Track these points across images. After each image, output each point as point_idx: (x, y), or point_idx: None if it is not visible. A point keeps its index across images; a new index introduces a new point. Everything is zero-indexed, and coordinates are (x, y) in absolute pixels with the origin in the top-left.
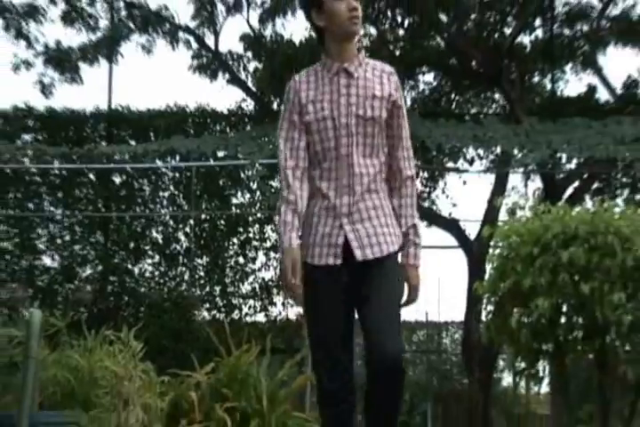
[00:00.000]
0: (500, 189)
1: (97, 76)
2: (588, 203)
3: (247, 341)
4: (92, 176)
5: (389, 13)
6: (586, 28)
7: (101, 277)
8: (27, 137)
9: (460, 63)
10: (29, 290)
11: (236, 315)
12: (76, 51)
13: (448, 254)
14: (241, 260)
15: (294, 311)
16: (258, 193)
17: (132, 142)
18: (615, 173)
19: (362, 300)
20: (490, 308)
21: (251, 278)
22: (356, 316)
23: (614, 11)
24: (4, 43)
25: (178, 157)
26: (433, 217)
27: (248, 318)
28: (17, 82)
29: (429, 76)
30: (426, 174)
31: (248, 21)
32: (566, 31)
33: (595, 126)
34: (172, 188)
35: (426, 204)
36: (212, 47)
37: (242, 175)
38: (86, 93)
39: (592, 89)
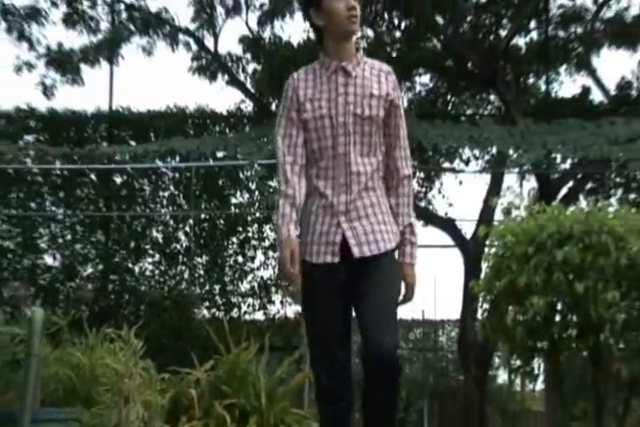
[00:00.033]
0: (495, 188)
1: (98, 77)
2: (583, 203)
3: (246, 339)
4: (93, 176)
5: (386, 16)
6: (580, 30)
7: (102, 275)
8: (29, 138)
9: (456, 65)
10: (31, 288)
11: (235, 313)
12: (77, 52)
13: (444, 253)
14: (240, 259)
15: (292, 310)
16: (257, 193)
17: (133, 143)
18: (609, 174)
19: (359, 297)
20: (485, 306)
21: (250, 277)
22: (354, 313)
23: (608, 13)
24: (6, 45)
25: (178, 158)
26: (429, 217)
27: (247, 317)
28: (19, 83)
29: (426, 78)
30: (422, 174)
31: (247, 24)
32: (561, 33)
33: (589, 127)
34: (171, 188)
35: (422, 203)
36: (212, 49)
37: (241, 175)
38: (87, 95)
39: (586, 90)
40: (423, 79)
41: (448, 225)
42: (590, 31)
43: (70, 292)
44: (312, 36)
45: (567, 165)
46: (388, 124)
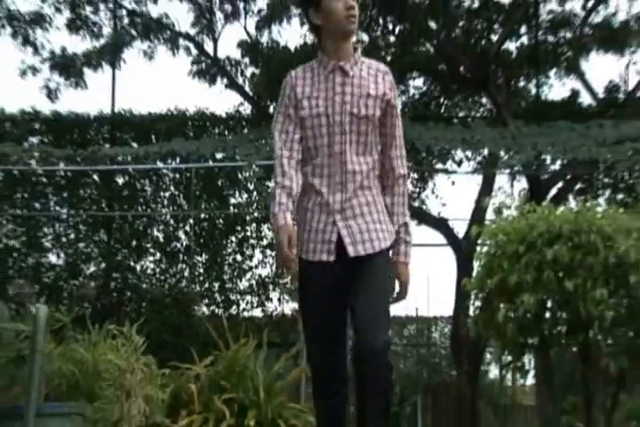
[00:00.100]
0: (487, 189)
1: (100, 80)
2: (572, 203)
3: (245, 335)
4: (95, 177)
5: (381, 21)
6: (569, 35)
7: (105, 273)
8: (33, 139)
9: (448, 69)
10: (36, 286)
11: (233, 310)
12: (80, 57)
13: (437, 252)
14: (239, 257)
15: (290, 307)
16: (255, 193)
17: (135, 144)
18: (597, 174)
19: (353, 296)
20: (477, 303)
21: (248, 275)
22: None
23: (596, 18)
24: (11, 49)
25: (178, 159)
26: (423, 216)
27: (245, 314)
28: (24, 87)
29: (419, 81)
30: (416, 175)
31: (245, 28)
32: (550, 38)
33: (578, 129)
34: (172, 188)
35: (416, 203)
36: (211, 53)
37: (239, 176)
38: (90, 98)
39: (575, 93)
40: (417, 82)
41: (441, 224)
42: (579, 36)
43: (74, 289)
44: (309, 40)
45: (557, 167)
46: (385, 123)
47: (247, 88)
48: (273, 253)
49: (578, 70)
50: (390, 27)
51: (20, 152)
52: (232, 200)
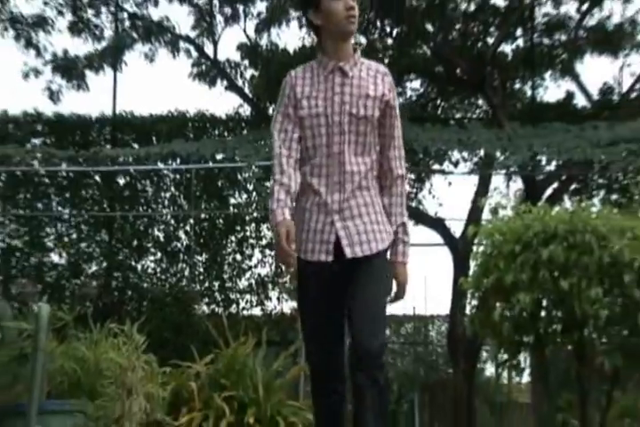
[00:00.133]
0: (483, 189)
1: (102, 83)
2: (567, 203)
3: (244, 333)
4: (97, 178)
5: (379, 23)
6: (564, 37)
7: (106, 273)
8: (36, 141)
9: (445, 71)
10: (38, 285)
11: (233, 309)
12: (82, 59)
13: (434, 252)
14: (238, 257)
15: (289, 306)
16: (254, 194)
17: (136, 146)
18: (592, 175)
19: (350, 297)
20: (474, 302)
21: (247, 274)
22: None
23: (591, 21)
24: (14, 52)
25: (178, 160)
26: (420, 216)
27: (245, 312)
28: (27, 89)
29: (416, 83)
30: (413, 176)
31: (245, 31)
32: (546, 40)
33: (572, 131)
34: (172, 189)
35: (413, 204)
36: (211, 56)
37: (239, 177)
38: (92, 99)
39: (570, 95)
40: (414, 84)
41: (438, 224)
42: (574, 39)
43: (75, 289)
44: (307, 43)
45: (552, 167)
46: (383, 124)
47: (247, 90)
48: (272, 253)
49: (573, 72)
50: (388, 29)
51: (23, 153)
52: (232, 200)
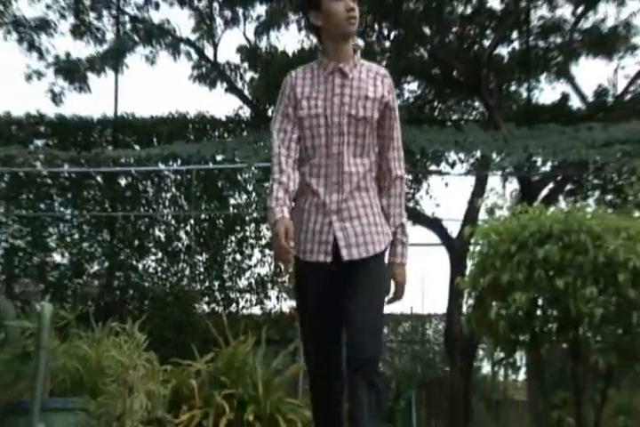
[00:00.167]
0: (479, 190)
1: (104, 85)
2: (562, 203)
3: (244, 332)
4: (99, 179)
5: (376, 27)
6: (559, 40)
7: (108, 272)
8: (38, 142)
9: (442, 73)
10: (41, 285)
11: (233, 308)
12: (84, 62)
13: (431, 252)
14: (238, 257)
15: (288, 305)
16: (254, 194)
17: (137, 147)
18: (587, 176)
19: (347, 299)
20: (471, 301)
21: (247, 274)
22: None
23: (586, 24)
24: (17, 54)
25: (179, 161)
26: (417, 216)
27: (245, 311)
28: (29, 91)
29: (414, 85)
30: (410, 177)
31: (244, 34)
32: (541, 43)
33: (568, 132)
34: (173, 189)
35: (410, 204)
36: (211, 58)
37: (239, 178)
38: (94, 101)
39: (565, 97)
40: (411, 86)
41: (435, 224)
42: (569, 41)
43: (78, 288)
44: (306, 45)
45: (547, 168)
46: (383, 125)
47: (246, 92)
48: (271, 253)
49: (568, 75)
50: (385, 32)
51: (26, 154)
52: (232, 201)
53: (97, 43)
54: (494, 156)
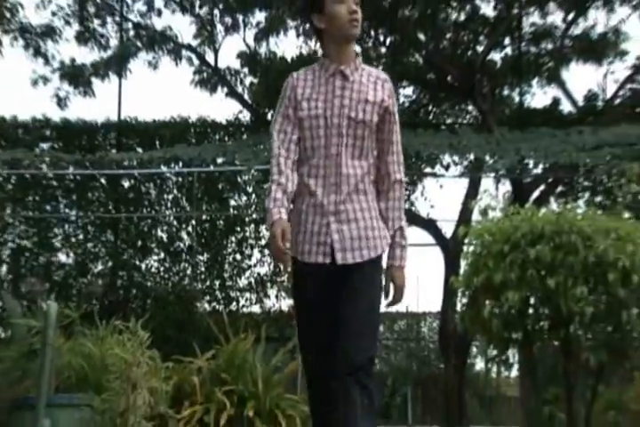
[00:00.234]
0: (473, 192)
1: (107, 89)
2: (553, 205)
3: (244, 330)
4: (103, 181)
5: (372, 33)
6: (550, 46)
7: (111, 272)
8: (44, 145)
9: (436, 78)
10: (46, 284)
11: (233, 306)
12: (88, 67)
13: (426, 252)
14: (238, 256)
15: (287, 303)
16: (253, 196)
17: (140, 150)
18: (577, 178)
19: (342, 302)
20: (464, 300)
21: (247, 273)
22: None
23: (576, 31)
24: (24, 60)
25: (181, 164)
26: (412, 217)
27: (245, 310)
28: (35, 95)
29: (409, 90)
30: (406, 179)
31: (244, 40)
32: (533, 49)
33: (559, 135)
34: (175, 191)
35: (406, 205)
36: (212, 63)
37: (239, 180)
38: (98, 106)
39: (556, 101)
40: (407, 91)
41: (430, 225)
42: (560, 47)
43: (82, 287)
44: (305, 51)
45: (539, 170)
46: (382, 129)
47: (246, 96)
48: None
49: (559, 79)
50: (381, 38)
51: (32, 157)
52: (232, 202)
53: (101, 49)
54: (487, 158)
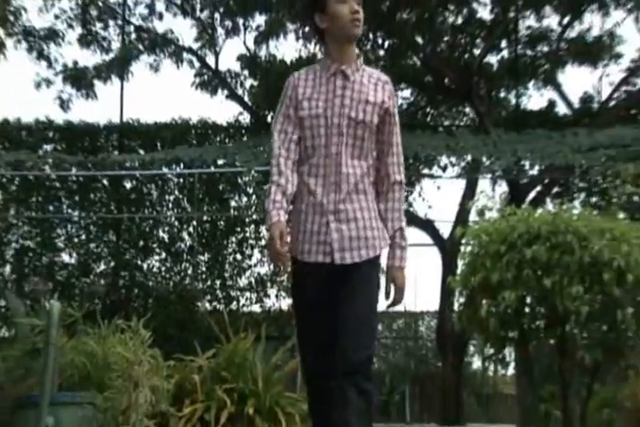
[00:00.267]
0: (470, 192)
1: (110, 92)
2: (549, 205)
3: (244, 329)
4: (105, 182)
5: (371, 36)
6: (546, 49)
7: (114, 272)
8: (47, 147)
9: (434, 80)
10: (49, 284)
11: (234, 306)
12: (91, 70)
13: (424, 252)
14: (238, 256)
15: (286, 303)
16: (254, 197)
17: (141, 151)
18: (573, 179)
19: (340, 302)
20: (462, 299)
21: (247, 273)
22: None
23: (571, 34)
24: (27, 63)
25: (182, 165)
26: (410, 218)
27: (245, 309)
28: (39, 98)
29: (407, 92)
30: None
31: (245, 43)
32: (529, 52)
33: (554, 137)
34: (176, 192)
35: (404, 206)
36: (213, 66)
37: (239, 181)
38: (100, 108)
39: (552, 103)
40: (405, 93)
41: (427, 226)
42: (556, 50)
43: (85, 287)
44: (304, 54)
45: (535, 172)
46: (382, 130)
47: (246, 99)
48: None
49: (554, 82)
50: (380, 41)
51: (35, 159)
52: (232, 203)
53: (103, 52)
54: (484, 160)
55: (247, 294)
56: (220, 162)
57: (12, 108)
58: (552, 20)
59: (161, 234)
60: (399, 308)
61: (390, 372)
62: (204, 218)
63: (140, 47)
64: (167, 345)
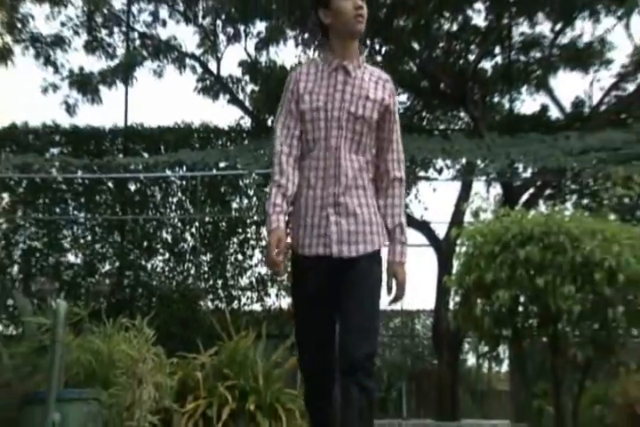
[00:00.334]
0: (465, 194)
1: (114, 97)
2: (542, 207)
3: (245, 327)
4: (110, 184)
5: (368, 42)
6: (539, 54)
7: (118, 272)
8: (54, 150)
9: (430, 85)
10: (56, 283)
11: (235, 305)
12: (96, 75)
13: (420, 252)
14: (240, 257)
15: (286, 302)
16: (254, 199)
17: (145, 155)
18: (565, 181)
19: (341, 298)
20: (457, 299)
21: (248, 273)
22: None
23: (564, 40)
24: (34, 69)
25: (185, 168)
26: (407, 219)
27: (246, 308)
28: (45, 103)
29: (403, 97)
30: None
31: (246, 49)
32: (522, 58)
33: (547, 140)
34: (179, 194)
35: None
36: (215, 72)
37: (240, 183)
38: (105, 112)
39: (544, 108)
40: (401, 98)
41: (424, 227)
42: (548, 56)
43: (90, 286)
44: (303, 60)
45: (528, 174)
46: (382, 127)
47: (247, 103)
48: None
49: (547, 87)
50: (377, 47)
51: (42, 162)
52: (234, 205)
53: (108, 57)
54: (479, 162)
55: (248, 293)
56: (222, 165)
57: (20, 113)
58: (544, 27)
59: (164, 235)
60: (396, 306)
61: (387, 369)
62: (207, 219)
63: (144, 53)
64: (170, 343)
